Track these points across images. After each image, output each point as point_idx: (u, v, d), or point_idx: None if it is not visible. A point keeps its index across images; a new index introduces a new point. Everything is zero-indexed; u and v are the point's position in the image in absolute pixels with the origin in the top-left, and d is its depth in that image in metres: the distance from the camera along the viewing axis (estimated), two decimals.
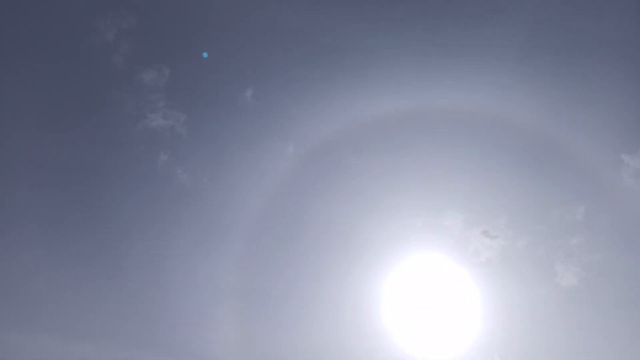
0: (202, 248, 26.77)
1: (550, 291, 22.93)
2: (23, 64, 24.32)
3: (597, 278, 22.68)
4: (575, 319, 22.49)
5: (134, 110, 24.27)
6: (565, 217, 22.57)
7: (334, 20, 25.25)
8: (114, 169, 25.52)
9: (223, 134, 25.64)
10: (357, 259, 25.50)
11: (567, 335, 22.36)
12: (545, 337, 23.01)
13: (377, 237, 25.11)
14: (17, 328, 21.63)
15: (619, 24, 23.38)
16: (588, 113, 24.13)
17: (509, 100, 24.29)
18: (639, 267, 21.12)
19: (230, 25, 25.30)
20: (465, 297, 24.39)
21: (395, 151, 26.19)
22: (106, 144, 25.31)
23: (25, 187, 24.07)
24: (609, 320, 22.24)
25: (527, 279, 24.37)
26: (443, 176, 25.37)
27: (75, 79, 25.13)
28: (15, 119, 24.08)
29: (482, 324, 23.41)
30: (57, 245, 24.36)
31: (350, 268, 25.27)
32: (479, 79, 23.66)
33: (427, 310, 24.28)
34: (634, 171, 21.23)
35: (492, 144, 24.81)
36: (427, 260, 25.28)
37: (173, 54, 24.85)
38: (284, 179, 25.90)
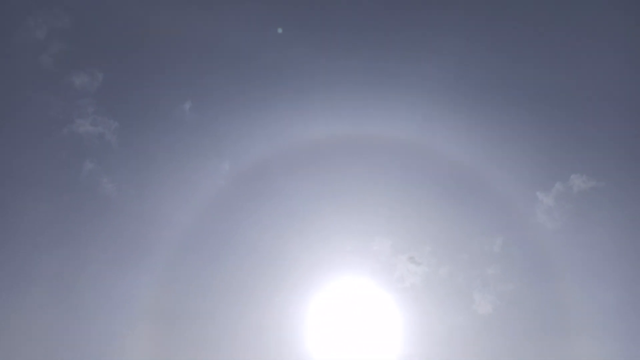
0: (122, 264, 25.39)
1: (468, 318, 23.86)
2: None
3: (510, 307, 23.92)
4: (489, 346, 23.47)
5: (60, 114, 23.00)
6: (484, 248, 23.75)
7: (278, 41, 25.55)
8: (32, 173, 23.89)
9: (156, 145, 24.82)
10: (284, 281, 25.28)
11: None
12: None
13: (306, 260, 25.11)
14: None
15: (537, 72, 25.46)
16: (508, 152, 25.87)
17: (437, 134, 25.52)
18: (547, 297, 22.57)
19: (175, 35, 24.93)
20: (388, 322, 24.80)
21: (328, 176, 26.60)
22: (27, 147, 23.71)
23: None
24: (519, 347, 23.43)
25: (446, 306, 25.23)
26: (373, 203, 26.06)
27: None
28: None
29: (403, 348, 23.82)
30: None
31: (276, 290, 24.96)
32: (410, 111, 24.72)
33: (350, 333, 24.42)
34: (546, 208, 22.85)
35: (421, 174, 25.94)
36: (354, 283, 25.56)
37: (108, 58, 23.99)
38: (215, 197, 25.41)
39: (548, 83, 25.87)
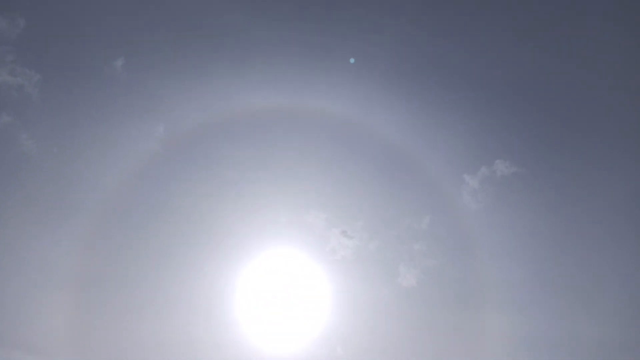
0: (41, 226, 23.96)
1: (393, 290, 24.97)
2: None
3: (432, 281, 25.29)
4: (410, 316, 24.79)
5: None
6: (412, 225, 24.78)
7: (220, 6, 24.67)
8: None
9: (84, 102, 23.34)
10: (215, 250, 25.04)
11: (404, 331, 24.54)
12: (384, 332, 24.97)
13: (239, 229, 24.97)
14: None
15: (472, 60, 26.49)
16: (439, 135, 26.90)
17: (373, 112, 26.02)
18: (466, 273, 24.08)
19: None
20: (317, 292, 25.39)
21: (265, 146, 26.41)
22: None
23: None
24: (438, 318, 24.96)
25: (374, 278, 26.21)
26: (310, 176, 26.27)
27: None
28: None
29: (329, 317, 24.58)
30: None
31: (207, 258, 24.69)
32: (349, 87, 24.96)
33: (279, 303, 24.78)
34: (471, 190, 24.18)
35: (356, 152, 26.44)
36: (287, 254, 25.84)
37: (32, 2, 22.08)
38: (146, 161, 24.46)
39: (481, 71, 26.99)
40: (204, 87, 24.38)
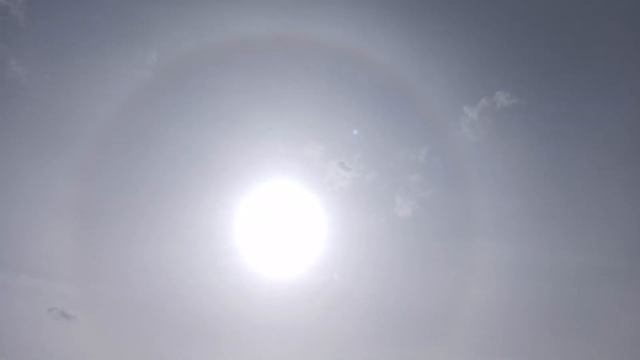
0: (37, 154, 23.82)
1: (388, 220, 25.49)
2: None
3: (427, 211, 25.74)
4: (406, 246, 25.49)
5: None
6: (409, 157, 24.84)
7: None
8: None
9: (74, 26, 22.41)
10: (213, 181, 25.18)
11: (398, 259, 25.33)
12: (380, 260, 25.77)
13: (237, 160, 24.97)
14: None
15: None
16: (439, 65, 26.30)
17: (372, 41, 25.30)
18: (461, 204, 24.46)
19: None
20: (315, 222, 25.88)
21: (261, 76, 25.79)
22: None
23: None
24: (430, 247, 25.70)
25: (370, 209, 26.65)
26: (307, 108, 25.92)
27: None
28: None
29: (327, 246, 25.24)
30: None
31: (204, 189, 24.89)
32: (344, 16, 24.12)
33: (277, 232, 25.32)
34: (470, 121, 24.02)
35: (354, 82, 25.93)
36: (284, 186, 26.04)
37: None
38: (140, 90, 23.93)
39: (482, 0, 26.02)
40: (196, 12, 23.32)
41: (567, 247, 27.28)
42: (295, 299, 24.58)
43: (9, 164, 23.32)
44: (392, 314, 25.88)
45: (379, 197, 26.38)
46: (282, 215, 25.31)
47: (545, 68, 26.18)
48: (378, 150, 26.71)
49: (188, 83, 24.52)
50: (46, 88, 23.49)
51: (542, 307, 25.53)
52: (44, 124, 24.55)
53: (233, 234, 25.26)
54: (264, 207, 25.23)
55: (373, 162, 26.56)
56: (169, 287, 23.73)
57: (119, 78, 23.38)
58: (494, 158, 25.70)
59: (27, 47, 21.05)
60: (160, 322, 23.42)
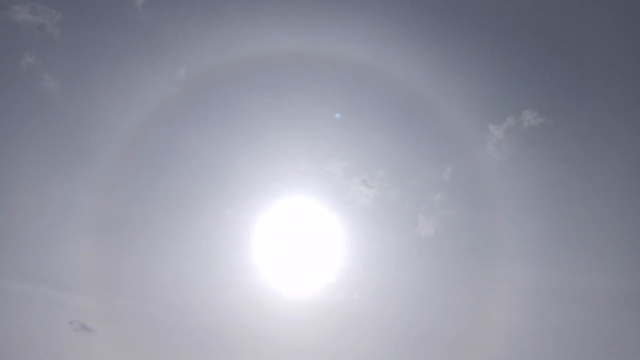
0: (64, 167, 24.23)
1: (410, 240, 25.10)
2: None
3: (450, 231, 25.29)
4: (428, 266, 25.02)
5: None
6: (434, 175, 24.54)
7: None
8: None
9: (105, 42, 22.94)
10: (234, 196, 25.21)
11: (419, 279, 24.84)
12: (400, 280, 25.32)
13: (259, 177, 24.99)
14: None
15: (500, 4, 25.31)
16: (466, 83, 26.07)
17: (396, 59, 25.28)
18: (485, 225, 23.98)
19: None
20: (336, 240, 25.63)
21: (286, 94, 25.92)
22: None
23: None
24: (451, 268, 25.19)
25: (392, 228, 26.30)
26: (330, 124, 25.90)
27: None
28: None
29: (348, 264, 24.94)
30: None
31: (226, 204, 24.92)
32: (367, 33, 24.17)
33: (297, 249, 25.14)
34: (496, 140, 23.67)
35: (379, 99, 25.86)
36: (306, 203, 25.93)
37: None
38: (166, 105, 24.24)
39: (511, 15, 25.83)
40: (222, 30, 23.65)
41: (593, 271, 26.42)
42: (314, 317, 24.27)
43: (36, 176, 23.64)
44: (411, 335, 25.33)
45: (401, 216, 26.00)
46: (302, 233, 25.15)
47: (574, 87, 25.69)
48: (401, 168, 26.41)
49: (212, 99, 24.68)
50: (77, 103, 23.92)
51: (566, 333, 24.66)
52: (73, 137, 24.94)
53: (252, 250, 25.09)
54: (284, 224, 25.11)
55: (396, 180, 26.24)
56: (187, 302, 23.67)
57: (148, 93, 23.69)
58: (519, 178, 25.21)
59: (60, 63, 21.54)
60: (178, 337, 23.32)
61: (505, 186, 24.14)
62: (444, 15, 26.17)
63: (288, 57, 25.82)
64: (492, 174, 23.78)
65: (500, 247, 24.64)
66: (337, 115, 24.43)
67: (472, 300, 24.46)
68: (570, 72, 25.77)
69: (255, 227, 25.39)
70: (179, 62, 23.19)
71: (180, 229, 25.07)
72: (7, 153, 22.73)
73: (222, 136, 25.00)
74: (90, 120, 24.52)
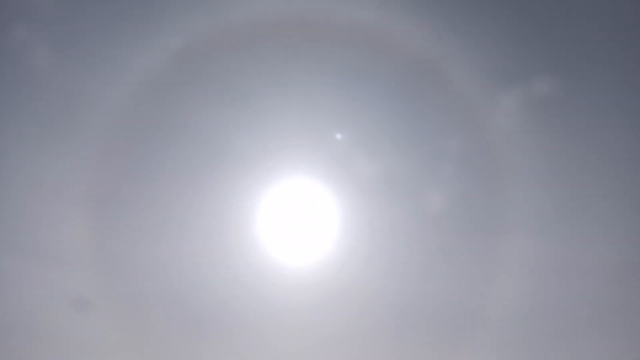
0: (55, 141, 23.59)
1: (416, 213, 24.37)
2: None
3: (456, 205, 24.46)
4: (433, 241, 24.31)
5: None
6: (440, 148, 23.58)
7: None
8: None
9: (99, 11, 22.02)
10: (231, 170, 24.49)
11: (424, 254, 24.20)
12: (405, 255, 24.71)
13: (257, 150, 24.21)
14: None
15: None
16: (473, 48, 24.77)
17: (399, 23, 24.23)
18: (493, 198, 23.04)
19: None
20: (338, 215, 24.99)
21: (286, 63, 24.82)
22: None
23: None
24: (456, 244, 24.45)
25: (397, 201, 25.54)
26: (332, 95, 24.85)
27: None
28: None
29: (350, 240, 24.35)
30: None
31: (223, 179, 24.23)
32: None
33: (298, 225, 24.56)
34: (507, 109, 22.52)
35: (380, 67, 24.64)
36: (308, 177, 25.20)
37: None
38: (158, 75, 23.37)
39: None
40: None
41: (604, 243, 25.66)
42: (315, 294, 23.85)
43: (28, 152, 23.11)
44: (415, 310, 24.94)
45: (406, 189, 25.21)
46: (303, 208, 24.51)
47: (590, 52, 24.47)
48: (407, 140, 25.50)
49: (207, 69, 23.83)
50: (69, 75, 23.27)
51: (575, 306, 24.12)
52: (64, 110, 24.30)
53: (252, 224, 24.59)
54: (283, 199, 24.46)
55: (402, 152, 25.37)
56: (184, 279, 23.26)
57: (141, 65, 22.85)
58: (530, 149, 24.17)
59: (52, 34, 20.80)
60: (175, 313, 23.09)
61: (515, 158, 23.07)
62: None
63: (286, 22, 24.90)
64: (502, 146, 22.68)
65: (508, 219, 23.78)
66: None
67: (479, 274, 23.78)
68: (587, 35, 24.47)
69: (254, 200, 24.73)
70: (169, 28, 22.18)
71: (176, 204, 24.46)
72: None
73: (218, 109, 24.15)
74: (82, 92, 23.80)
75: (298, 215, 24.11)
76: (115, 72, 23.79)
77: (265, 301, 23.75)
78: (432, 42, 24.22)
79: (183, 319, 22.91)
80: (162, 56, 22.54)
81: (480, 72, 24.06)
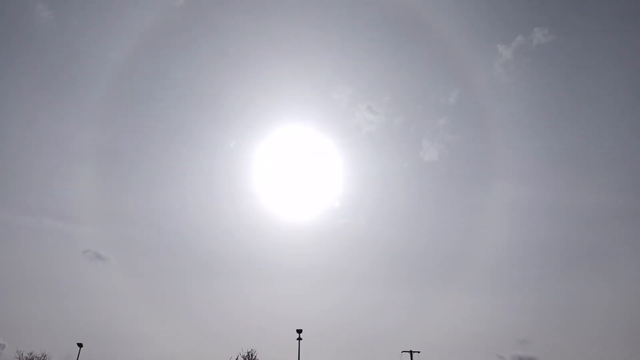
0: (58, 100, 23.31)
1: (414, 164, 25.05)
2: None
3: (453, 155, 25.20)
4: (429, 188, 25.17)
5: None
6: (439, 100, 23.91)
7: None
8: None
9: None
10: (236, 125, 24.51)
11: (422, 201, 25.13)
12: (404, 203, 25.64)
13: (261, 105, 24.17)
14: None
15: None
16: (469, 1, 24.56)
17: None
18: (486, 146, 23.77)
19: None
20: (341, 166, 25.51)
21: (290, 21, 24.30)
22: None
23: None
24: (449, 190, 25.42)
25: (397, 153, 26.15)
26: (335, 51, 24.63)
27: None
28: None
29: (352, 189, 25.06)
30: None
31: (227, 132, 24.21)
32: None
33: (303, 176, 25.13)
34: (505, 61, 22.81)
35: (382, 23, 24.46)
36: (311, 130, 25.47)
37: None
38: (162, 32, 22.77)
39: None
40: None
41: (585, 188, 26.89)
42: (317, 240, 24.86)
43: (33, 110, 22.83)
44: (409, 254, 26.23)
45: (406, 141, 25.72)
46: (307, 160, 25.01)
47: (586, 2, 24.49)
48: (407, 94, 25.70)
49: (204, 27, 23.27)
50: (73, 33, 22.56)
51: (557, 248, 25.69)
52: (66, 69, 23.82)
53: (254, 177, 24.97)
54: (288, 152, 24.84)
55: (402, 106, 25.67)
56: (190, 229, 23.98)
57: (137, 22, 22.23)
58: (525, 100, 24.78)
59: None
60: (183, 261, 24.01)
61: (510, 108, 23.84)
62: None
63: None
64: (499, 97, 23.34)
65: (498, 168, 24.83)
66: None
67: (469, 219, 25.19)
68: None
69: (256, 155, 25.03)
70: None
71: (178, 160, 24.66)
72: (3, 87, 21.66)
73: (222, 65, 23.83)
74: (83, 51, 23.23)
75: (301, 167, 24.67)
76: (114, 30, 23.09)
77: (267, 247, 24.72)
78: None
79: (190, 266, 23.91)
80: (160, 14, 21.98)
81: (478, 25, 23.98)
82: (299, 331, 18.42)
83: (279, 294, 25.21)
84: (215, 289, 24.23)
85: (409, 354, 16.41)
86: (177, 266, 24.15)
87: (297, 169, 24.07)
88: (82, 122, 22.43)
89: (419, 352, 16.47)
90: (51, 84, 22.16)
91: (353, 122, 25.71)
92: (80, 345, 20.21)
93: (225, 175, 24.30)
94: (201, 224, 24.85)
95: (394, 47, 25.10)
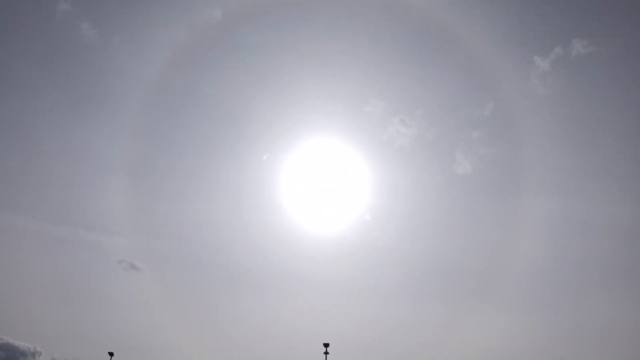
0: (94, 114, 24.08)
1: (447, 177, 24.77)
2: None
3: (487, 168, 24.80)
4: (462, 202, 24.80)
5: None
6: (473, 113, 23.64)
7: None
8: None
9: None
10: (268, 139, 24.74)
11: (454, 216, 24.73)
12: (436, 216, 25.26)
13: (293, 118, 24.33)
14: None
15: None
16: (507, 10, 24.31)
17: None
18: (521, 159, 23.31)
19: None
20: (373, 180, 25.44)
21: (324, 35, 24.50)
22: None
23: None
24: (490, 204, 24.90)
25: (430, 166, 25.94)
26: (368, 64, 24.73)
27: None
28: None
29: (383, 203, 24.91)
30: None
31: (258, 146, 24.46)
32: None
33: (335, 189, 25.14)
34: (541, 72, 22.38)
35: (416, 36, 24.43)
36: (344, 143, 25.54)
37: None
38: (197, 49, 23.39)
39: None
40: None
41: (622, 204, 25.84)
42: (346, 253, 24.67)
43: (72, 125, 23.73)
44: (439, 269, 25.68)
45: (439, 154, 25.47)
46: (339, 173, 25.02)
47: (628, 11, 23.90)
48: (441, 106, 25.56)
49: (233, 43, 23.81)
50: (114, 50, 23.55)
51: (591, 264, 24.59)
52: (101, 84, 24.68)
53: (284, 190, 25.07)
54: (320, 165, 24.92)
55: (435, 118, 25.51)
56: (218, 241, 24.26)
57: (166, 39, 22.92)
58: (561, 112, 24.14)
59: (96, 10, 21.06)
60: (210, 273, 24.23)
61: (546, 120, 23.25)
62: None
63: None
64: (535, 109, 22.77)
65: (532, 181, 24.18)
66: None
67: (502, 234, 24.59)
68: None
69: (285, 167, 25.20)
70: (202, 5, 22.14)
71: (207, 173, 25.11)
72: (45, 102, 22.71)
73: (254, 79, 24.26)
74: (118, 67, 24.08)
75: (333, 180, 24.60)
76: (147, 47, 23.82)
77: (295, 259, 24.72)
78: (466, 7, 23.53)
79: (219, 277, 24.09)
80: (198, 30, 22.55)
81: (514, 36, 23.59)
82: (326, 345, 18.30)
83: (306, 308, 25.11)
84: (241, 300, 24.41)
85: None
86: (204, 277, 24.47)
87: (326, 182, 24.05)
88: (116, 137, 23.15)
89: None
90: (89, 100, 23.08)
91: (385, 135, 25.58)
92: (111, 354, 20.63)
93: (253, 188, 24.57)
94: (229, 236, 25.13)
95: (425, 59, 24.95)
